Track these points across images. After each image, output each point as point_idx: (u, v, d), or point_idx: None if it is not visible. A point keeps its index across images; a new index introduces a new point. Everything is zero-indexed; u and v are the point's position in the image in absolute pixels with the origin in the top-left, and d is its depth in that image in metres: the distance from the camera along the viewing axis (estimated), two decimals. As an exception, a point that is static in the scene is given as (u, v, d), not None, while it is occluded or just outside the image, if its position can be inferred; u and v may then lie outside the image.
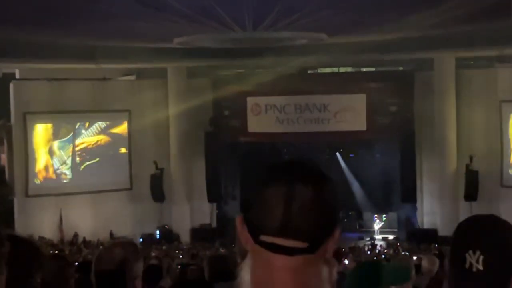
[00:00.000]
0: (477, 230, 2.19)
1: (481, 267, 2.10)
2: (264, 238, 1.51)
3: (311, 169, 1.56)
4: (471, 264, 2.11)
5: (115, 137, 28.49)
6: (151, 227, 28.11)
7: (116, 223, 27.01)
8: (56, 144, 27.57)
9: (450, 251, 2.23)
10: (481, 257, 2.11)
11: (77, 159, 27.87)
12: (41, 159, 27.29)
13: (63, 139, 27.72)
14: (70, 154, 27.80)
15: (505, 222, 2.26)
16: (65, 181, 27.75)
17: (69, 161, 27.81)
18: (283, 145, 29.80)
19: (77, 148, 27.90)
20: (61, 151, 27.72)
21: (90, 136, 28.15)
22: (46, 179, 27.30)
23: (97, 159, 28.06)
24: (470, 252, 2.12)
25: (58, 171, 27.67)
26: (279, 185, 1.50)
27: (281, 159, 1.58)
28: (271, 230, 1.50)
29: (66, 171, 27.83)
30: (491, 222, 2.23)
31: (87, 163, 27.96)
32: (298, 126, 28.02)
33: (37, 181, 27.11)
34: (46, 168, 27.42)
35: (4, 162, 28.48)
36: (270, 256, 1.51)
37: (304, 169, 1.55)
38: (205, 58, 26.59)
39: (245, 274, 1.60)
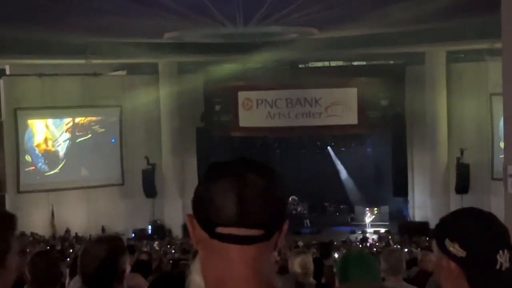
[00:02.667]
0: (499, 228, 2.21)
1: (508, 265, 2.15)
2: (220, 229, 1.51)
3: (257, 163, 1.58)
4: (501, 264, 2.14)
5: (107, 132, 28.43)
6: (143, 222, 28.12)
7: (108, 218, 27.00)
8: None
9: (472, 253, 2.18)
10: (508, 255, 2.15)
11: (69, 135, 27.85)
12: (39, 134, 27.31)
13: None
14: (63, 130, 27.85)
15: (491, 213, 2.29)
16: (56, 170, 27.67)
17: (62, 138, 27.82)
18: (275, 140, 29.83)
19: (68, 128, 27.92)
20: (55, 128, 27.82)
21: (81, 130, 28.12)
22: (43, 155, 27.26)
23: (89, 135, 27.99)
24: (501, 252, 2.15)
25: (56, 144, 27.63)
26: (231, 176, 1.52)
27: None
28: (227, 221, 1.51)
29: (59, 147, 27.76)
30: (494, 217, 2.26)
31: (80, 139, 27.90)
32: (289, 120, 28.05)
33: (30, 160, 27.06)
34: (45, 141, 27.43)
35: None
36: (226, 248, 1.52)
37: (253, 162, 1.57)
38: (196, 53, 26.56)
39: (196, 275, 1.61)
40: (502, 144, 23.62)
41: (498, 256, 2.14)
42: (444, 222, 2.29)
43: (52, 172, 27.75)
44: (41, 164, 27.53)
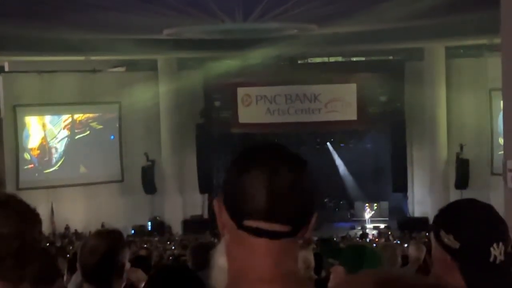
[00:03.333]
0: (494, 221, 2.20)
1: (502, 258, 2.13)
2: (248, 223, 1.51)
3: (290, 153, 1.57)
4: (495, 257, 2.13)
5: (106, 129, 28.41)
6: (142, 219, 28.12)
7: (107, 215, 26.99)
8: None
9: (465, 245, 2.18)
10: (503, 248, 2.13)
11: (67, 132, 27.84)
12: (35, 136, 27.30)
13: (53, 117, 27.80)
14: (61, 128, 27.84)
15: (491, 206, 2.28)
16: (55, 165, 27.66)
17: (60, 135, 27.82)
18: (274, 136, 29.82)
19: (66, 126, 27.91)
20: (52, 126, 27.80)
21: (79, 127, 28.10)
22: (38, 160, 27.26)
23: (87, 132, 28.00)
24: (495, 245, 2.14)
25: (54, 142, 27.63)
26: (262, 169, 1.51)
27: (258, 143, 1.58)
28: (255, 215, 1.50)
29: (58, 145, 27.75)
30: (491, 209, 2.25)
31: (79, 136, 27.90)
32: (288, 116, 28.05)
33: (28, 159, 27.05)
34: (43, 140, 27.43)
35: (-6, 155, 28.39)
36: (251, 241, 1.52)
37: (285, 153, 1.56)
38: (195, 49, 26.51)
39: (220, 259, 1.61)
40: (501, 141, 23.65)
41: (491, 249, 2.13)
42: (441, 213, 2.29)
43: (51, 170, 27.74)
44: (39, 164, 27.50)
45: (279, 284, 1.51)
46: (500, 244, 2.14)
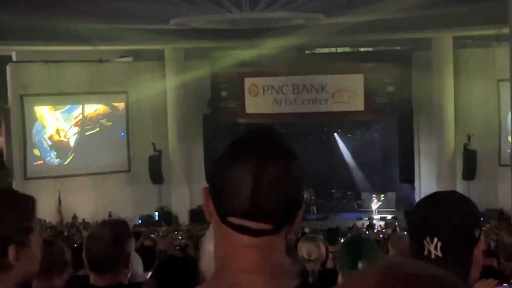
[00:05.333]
0: (435, 215, 2.15)
1: (439, 254, 2.09)
2: (231, 219, 1.51)
3: (279, 146, 1.54)
4: (429, 251, 2.11)
5: (113, 120, 28.43)
6: (149, 209, 28.19)
7: (114, 204, 27.07)
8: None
9: (409, 234, 2.21)
10: (439, 244, 2.11)
11: (77, 129, 27.91)
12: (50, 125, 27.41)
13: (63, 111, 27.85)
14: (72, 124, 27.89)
15: (461, 200, 2.23)
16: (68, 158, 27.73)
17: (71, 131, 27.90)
18: (281, 126, 29.80)
19: (77, 122, 27.96)
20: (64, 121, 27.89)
21: (87, 118, 28.14)
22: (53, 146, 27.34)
23: (97, 129, 28.05)
24: (428, 239, 2.12)
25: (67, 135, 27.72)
26: (247, 167, 1.50)
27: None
28: (238, 213, 1.50)
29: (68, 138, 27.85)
30: (448, 203, 2.21)
31: (87, 127, 27.95)
32: (296, 107, 28.01)
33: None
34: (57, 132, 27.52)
35: (2, 144, 28.48)
36: (236, 235, 1.52)
37: (273, 146, 1.54)
38: (202, 39, 26.50)
39: (208, 244, 1.61)
40: (510, 138, 23.57)
41: (425, 242, 2.10)
42: None
43: (60, 161, 27.81)
44: (50, 157, 27.55)
45: (262, 275, 1.51)
46: (435, 239, 2.10)
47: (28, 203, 2.31)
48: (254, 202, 1.49)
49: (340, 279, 3.74)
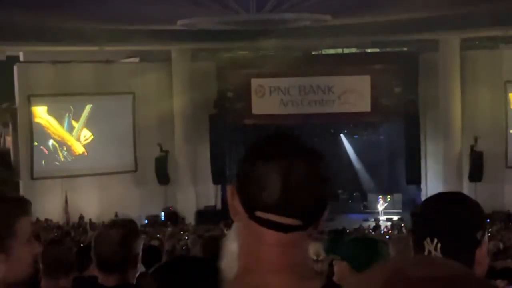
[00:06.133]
0: (435, 216, 2.16)
1: (439, 255, 2.10)
2: (259, 214, 1.51)
3: (307, 146, 1.56)
4: (429, 252, 2.11)
5: (119, 120, 28.44)
6: (156, 209, 28.21)
7: (121, 205, 27.05)
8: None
9: (412, 234, 2.23)
10: (439, 245, 2.11)
11: (84, 129, 27.98)
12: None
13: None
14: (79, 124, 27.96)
15: (465, 202, 2.23)
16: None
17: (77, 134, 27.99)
18: (287, 127, 29.77)
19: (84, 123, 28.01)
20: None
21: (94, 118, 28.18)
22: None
23: (104, 130, 28.04)
24: (428, 239, 2.12)
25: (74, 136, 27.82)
26: (278, 161, 1.50)
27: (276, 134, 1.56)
28: (267, 207, 1.50)
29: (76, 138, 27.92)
30: (452, 204, 2.21)
31: (94, 133, 28.01)
32: (302, 108, 28.00)
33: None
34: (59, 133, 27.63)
35: (9, 144, 28.56)
36: (262, 231, 1.52)
37: (301, 146, 1.55)
38: (209, 40, 26.50)
39: (232, 243, 1.61)
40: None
41: (425, 243, 2.12)
42: None
43: (67, 161, 27.86)
44: (57, 158, 27.60)
45: (287, 275, 1.51)
46: (435, 240, 2.11)
47: (7, 206, 2.21)
48: (283, 197, 1.49)
49: (336, 269, 3.71)
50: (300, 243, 1.54)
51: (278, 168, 1.50)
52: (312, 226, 1.55)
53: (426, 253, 2.11)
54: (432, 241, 2.11)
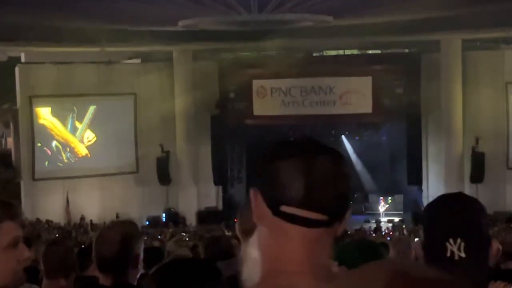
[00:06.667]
0: (456, 215, 2.15)
1: (463, 254, 2.09)
2: (284, 208, 1.51)
3: (328, 146, 1.58)
4: (452, 253, 2.11)
5: (121, 120, 28.45)
6: (157, 210, 28.21)
7: (122, 205, 27.11)
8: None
9: (426, 238, 2.19)
10: (463, 244, 2.10)
11: (86, 130, 27.99)
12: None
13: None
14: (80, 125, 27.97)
15: (473, 201, 2.24)
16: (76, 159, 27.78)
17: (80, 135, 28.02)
18: (289, 128, 29.78)
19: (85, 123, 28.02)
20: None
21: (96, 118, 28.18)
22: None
23: (105, 130, 28.04)
24: (451, 240, 2.12)
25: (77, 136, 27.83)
26: (301, 157, 1.52)
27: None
28: (293, 201, 1.50)
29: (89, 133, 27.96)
30: (463, 204, 2.21)
31: (96, 134, 28.01)
32: (303, 109, 27.99)
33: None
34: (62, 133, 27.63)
35: (10, 145, 28.58)
36: (286, 227, 1.52)
37: (323, 145, 1.57)
38: (211, 41, 26.51)
39: (253, 250, 1.61)
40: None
41: (448, 244, 2.10)
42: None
43: (68, 162, 27.87)
44: (58, 158, 27.60)
45: (311, 276, 1.51)
46: (459, 240, 2.10)
47: None
48: (309, 191, 1.50)
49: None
50: (324, 240, 1.54)
51: (302, 164, 1.51)
52: (336, 223, 1.55)
53: (448, 254, 2.10)
54: (455, 241, 2.10)
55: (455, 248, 2.09)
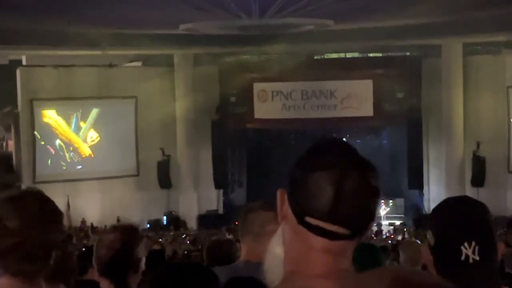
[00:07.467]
0: (468, 220, 2.16)
1: (477, 257, 2.09)
2: (309, 220, 1.53)
3: (361, 157, 1.59)
4: (467, 256, 2.10)
5: (122, 124, 28.45)
6: (158, 214, 28.20)
7: (123, 209, 27.07)
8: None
9: (438, 242, 2.18)
10: (477, 248, 2.10)
11: (87, 133, 27.98)
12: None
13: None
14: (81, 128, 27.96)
15: (481, 204, 2.24)
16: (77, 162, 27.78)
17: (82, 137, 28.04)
18: (290, 132, 29.81)
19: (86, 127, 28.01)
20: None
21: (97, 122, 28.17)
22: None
23: (106, 134, 27.99)
24: (466, 244, 2.11)
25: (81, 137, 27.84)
26: (332, 171, 1.53)
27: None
28: (318, 214, 1.52)
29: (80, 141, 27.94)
30: (473, 208, 2.21)
31: (97, 131, 27.98)
32: (304, 113, 27.99)
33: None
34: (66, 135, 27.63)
35: (11, 148, 28.58)
36: (310, 236, 1.54)
37: (356, 157, 1.58)
38: (212, 45, 26.53)
39: (276, 247, 1.63)
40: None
41: (462, 248, 2.10)
42: (432, 211, 2.30)
43: (69, 165, 27.86)
44: (59, 162, 27.59)
45: (334, 280, 1.53)
46: (473, 243, 2.10)
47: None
48: (334, 205, 1.51)
49: None
50: (346, 252, 1.57)
51: (331, 177, 1.52)
52: (358, 237, 1.57)
53: (463, 258, 2.10)
54: (470, 244, 2.10)
55: (470, 251, 2.10)
